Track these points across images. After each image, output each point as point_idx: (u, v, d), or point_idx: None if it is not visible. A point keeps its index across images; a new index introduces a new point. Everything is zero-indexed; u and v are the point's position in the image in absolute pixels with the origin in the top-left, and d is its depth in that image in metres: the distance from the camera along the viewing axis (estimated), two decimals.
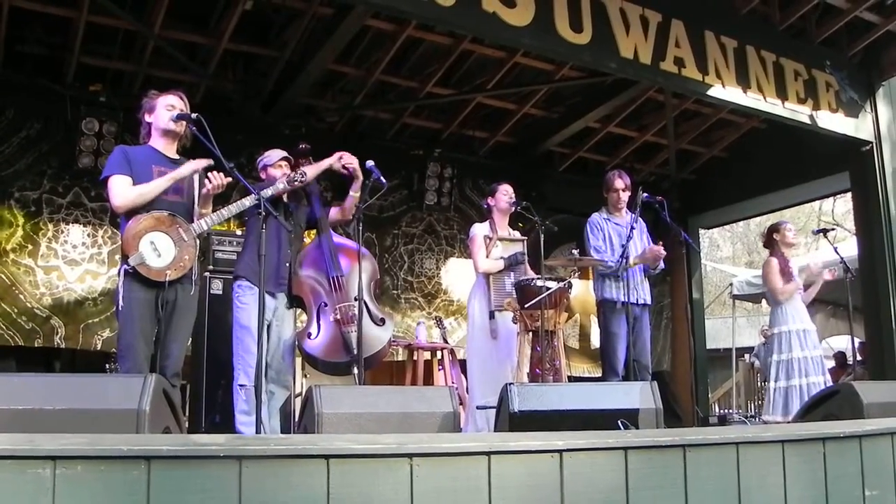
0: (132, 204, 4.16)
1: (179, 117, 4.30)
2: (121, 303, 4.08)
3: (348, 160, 5.17)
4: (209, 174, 4.32)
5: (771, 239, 6.77)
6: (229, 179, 4.31)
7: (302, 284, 5.18)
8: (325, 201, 5.54)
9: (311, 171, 5.05)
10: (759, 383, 13.95)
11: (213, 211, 4.46)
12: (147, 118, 4.41)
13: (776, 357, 6.45)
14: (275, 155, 5.32)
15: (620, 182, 6.16)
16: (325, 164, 5.15)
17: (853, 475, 2.95)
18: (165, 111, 4.34)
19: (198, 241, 4.33)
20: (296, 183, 4.84)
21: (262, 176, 5.28)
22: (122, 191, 4.17)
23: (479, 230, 6.02)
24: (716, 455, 2.62)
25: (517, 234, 6.27)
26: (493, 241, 5.94)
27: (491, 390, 5.58)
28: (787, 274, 6.50)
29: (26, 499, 1.75)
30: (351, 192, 5.28)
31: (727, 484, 2.61)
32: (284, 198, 5.17)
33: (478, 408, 5.55)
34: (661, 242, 6.07)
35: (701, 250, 12.66)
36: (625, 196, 6.14)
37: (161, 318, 4.15)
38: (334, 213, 5.44)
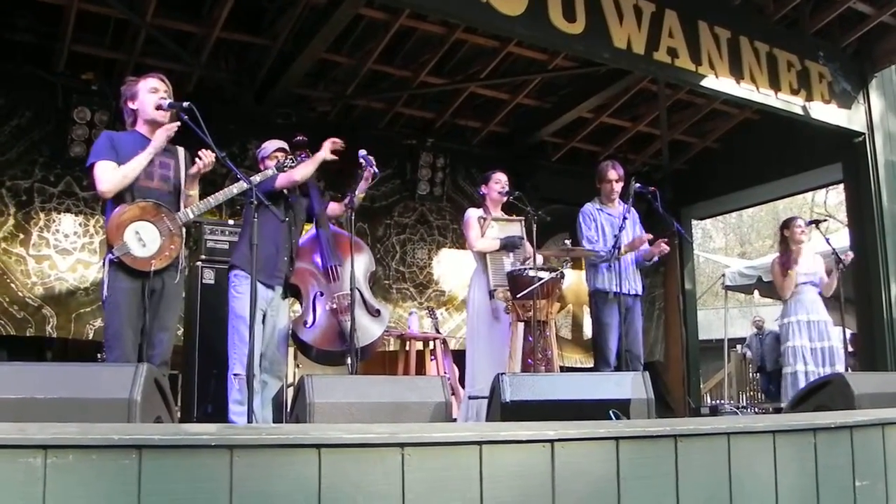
0: (117, 186, 4.10)
1: (171, 105, 4.25)
2: (106, 292, 4.06)
3: (337, 145, 5.15)
4: (199, 153, 4.28)
5: (782, 235, 6.85)
6: (215, 155, 4.28)
7: (298, 273, 5.19)
8: (321, 193, 5.53)
9: (309, 166, 5.04)
10: (750, 374, 14.05)
11: (201, 196, 4.43)
12: (130, 105, 4.34)
13: (786, 344, 6.65)
14: (270, 146, 5.31)
15: (614, 173, 6.16)
16: (319, 157, 5.11)
17: (844, 465, 2.97)
18: (149, 95, 4.27)
19: (184, 230, 4.29)
20: (285, 169, 4.82)
21: (261, 168, 5.25)
22: (106, 175, 4.13)
23: (473, 212, 6.01)
24: (707, 445, 2.63)
25: (514, 216, 6.23)
26: (488, 222, 5.92)
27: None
28: (786, 269, 6.56)
29: (17, 488, 1.75)
30: (357, 193, 5.23)
31: (718, 474, 2.62)
32: (285, 190, 5.15)
33: (469, 398, 5.55)
34: (659, 240, 6.08)
35: (693, 241, 12.68)
36: (618, 187, 6.14)
37: (147, 308, 4.13)
38: (334, 208, 5.42)
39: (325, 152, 5.11)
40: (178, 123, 4.25)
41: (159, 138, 4.23)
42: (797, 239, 6.69)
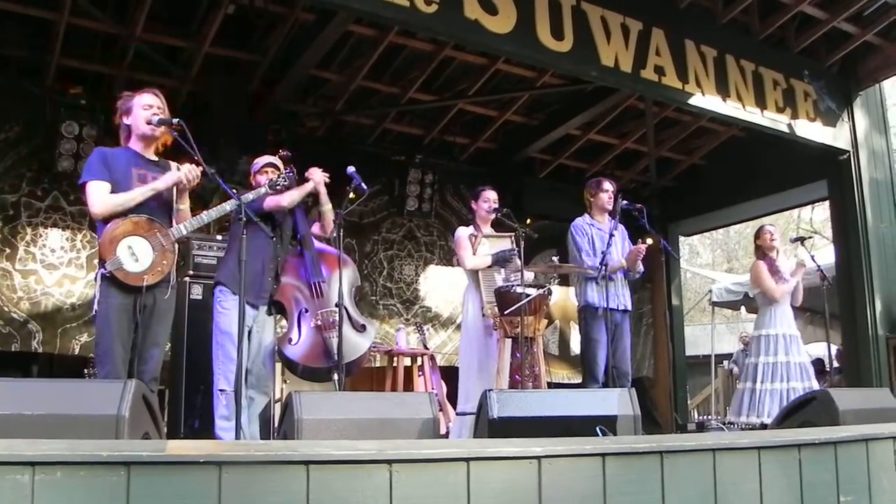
0: (111, 213, 4.08)
1: (161, 122, 4.24)
2: (97, 307, 4.04)
3: (320, 176, 5.18)
4: (185, 165, 4.27)
5: (756, 245, 6.87)
6: (201, 168, 4.26)
7: (283, 290, 5.17)
8: (307, 210, 5.53)
9: (295, 194, 5.03)
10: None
11: (193, 213, 4.41)
12: (125, 120, 4.29)
13: (762, 359, 6.50)
14: (260, 161, 5.31)
15: (609, 185, 6.19)
16: (307, 188, 5.12)
17: (828, 481, 2.98)
18: (143, 111, 4.22)
19: (176, 246, 4.28)
20: (277, 186, 4.81)
21: (252, 183, 5.25)
22: (100, 198, 4.09)
23: (464, 231, 5.99)
24: (692, 461, 2.64)
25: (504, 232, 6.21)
26: (479, 239, 5.90)
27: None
28: (776, 274, 6.56)
29: None
30: (321, 209, 5.24)
31: (704, 490, 2.63)
32: None
33: (457, 414, 5.54)
34: (643, 241, 6.11)
35: (680, 257, 12.73)
36: (612, 198, 6.14)
37: (139, 323, 4.11)
38: (316, 228, 5.42)
39: (312, 185, 5.13)
40: (196, 176, 4.24)
41: (167, 181, 4.21)
42: (769, 246, 6.70)
